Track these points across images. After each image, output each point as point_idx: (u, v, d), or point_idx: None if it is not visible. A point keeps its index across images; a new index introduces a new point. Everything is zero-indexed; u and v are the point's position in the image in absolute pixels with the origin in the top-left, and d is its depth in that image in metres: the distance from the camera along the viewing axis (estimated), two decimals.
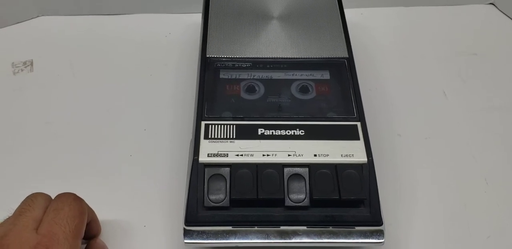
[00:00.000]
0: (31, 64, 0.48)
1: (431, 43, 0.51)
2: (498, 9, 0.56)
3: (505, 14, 0.55)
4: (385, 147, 0.42)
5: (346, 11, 0.44)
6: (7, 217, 0.31)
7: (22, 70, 0.48)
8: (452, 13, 0.55)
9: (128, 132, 0.43)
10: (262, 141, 0.35)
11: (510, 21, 0.54)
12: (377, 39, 0.52)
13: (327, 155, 0.34)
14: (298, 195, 0.33)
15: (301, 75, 0.40)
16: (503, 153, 0.42)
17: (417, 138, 0.43)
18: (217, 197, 0.33)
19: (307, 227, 0.33)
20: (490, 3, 0.56)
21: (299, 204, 0.33)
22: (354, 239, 0.33)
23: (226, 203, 0.33)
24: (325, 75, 0.40)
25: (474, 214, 0.39)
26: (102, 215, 0.37)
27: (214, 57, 0.40)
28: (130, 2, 0.53)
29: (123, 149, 0.42)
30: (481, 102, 0.46)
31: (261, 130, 0.36)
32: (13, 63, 0.48)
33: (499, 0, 0.55)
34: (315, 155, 0.34)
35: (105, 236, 0.37)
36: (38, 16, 0.53)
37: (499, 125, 0.44)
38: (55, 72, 0.47)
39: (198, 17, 0.46)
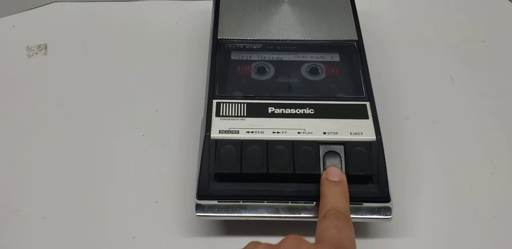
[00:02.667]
0: (45, 48, 0.49)
1: (440, 30, 0.52)
2: None
3: None
4: (393, 130, 0.43)
5: None
6: None
7: (36, 53, 0.48)
8: (460, 0, 0.55)
9: (140, 113, 0.44)
10: (272, 119, 0.36)
11: None
12: (385, 26, 0.52)
13: (336, 133, 0.35)
14: (308, 170, 0.34)
15: (311, 57, 0.40)
16: (509, 136, 0.43)
17: (425, 121, 0.44)
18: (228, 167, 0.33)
19: (316, 203, 0.34)
20: None
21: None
22: (362, 214, 0.34)
23: (236, 169, 0.33)
24: (335, 57, 0.40)
25: (481, 194, 0.39)
26: (115, 192, 0.38)
27: (225, 38, 0.41)
28: None
29: (135, 130, 0.42)
30: (488, 87, 0.46)
31: (271, 109, 0.36)
32: (27, 46, 0.49)
33: None
34: (324, 133, 0.35)
35: (118, 213, 0.37)
36: (52, 2, 0.54)
37: (505, 109, 0.45)
38: (69, 56, 0.48)
39: (208, 4, 0.47)
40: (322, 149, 0.34)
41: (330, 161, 0.34)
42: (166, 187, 0.39)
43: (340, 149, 0.34)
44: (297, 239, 0.28)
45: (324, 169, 0.34)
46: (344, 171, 0.34)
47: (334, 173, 0.33)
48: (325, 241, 0.29)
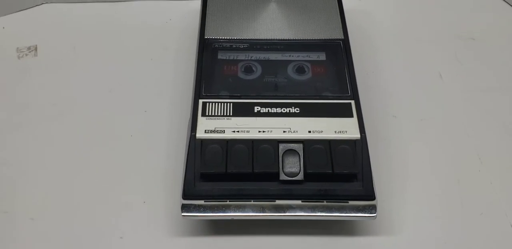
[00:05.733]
0: (35, 49, 0.49)
1: (429, 27, 0.52)
2: None
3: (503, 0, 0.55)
4: (380, 128, 0.43)
5: None
6: None
7: (26, 54, 0.49)
8: None
9: (129, 113, 0.44)
10: (258, 118, 0.36)
11: (508, 6, 0.55)
12: (374, 24, 0.52)
13: (321, 131, 0.35)
14: (292, 169, 0.34)
15: (298, 56, 0.41)
16: (497, 133, 0.43)
17: (412, 119, 0.44)
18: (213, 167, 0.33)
19: (302, 201, 0.34)
20: None
21: (294, 178, 0.34)
22: (347, 213, 0.34)
23: (222, 169, 0.33)
24: (321, 56, 0.41)
25: (468, 191, 0.39)
26: (103, 193, 0.39)
27: (212, 38, 0.41)
28: None
29: (124, 130, 0.43)
30: (476, 84, 0.46)
31: (257, 108, 0.37)
32: (17, 48, 0.49)
33: None
34: (309, 132, 0.35)
35: (106, 213, 0.38)
36: (42, 3, 0.54)
37: (493, 106, 0.45)
38: (59, 57, 0.48)
39: (198, 4, 0.47)
40: (307, 147, 0.34)
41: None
42: (154, 187, 0.39)
43: (326, 147, 0.34)
44: None
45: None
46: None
47: None
48: None
